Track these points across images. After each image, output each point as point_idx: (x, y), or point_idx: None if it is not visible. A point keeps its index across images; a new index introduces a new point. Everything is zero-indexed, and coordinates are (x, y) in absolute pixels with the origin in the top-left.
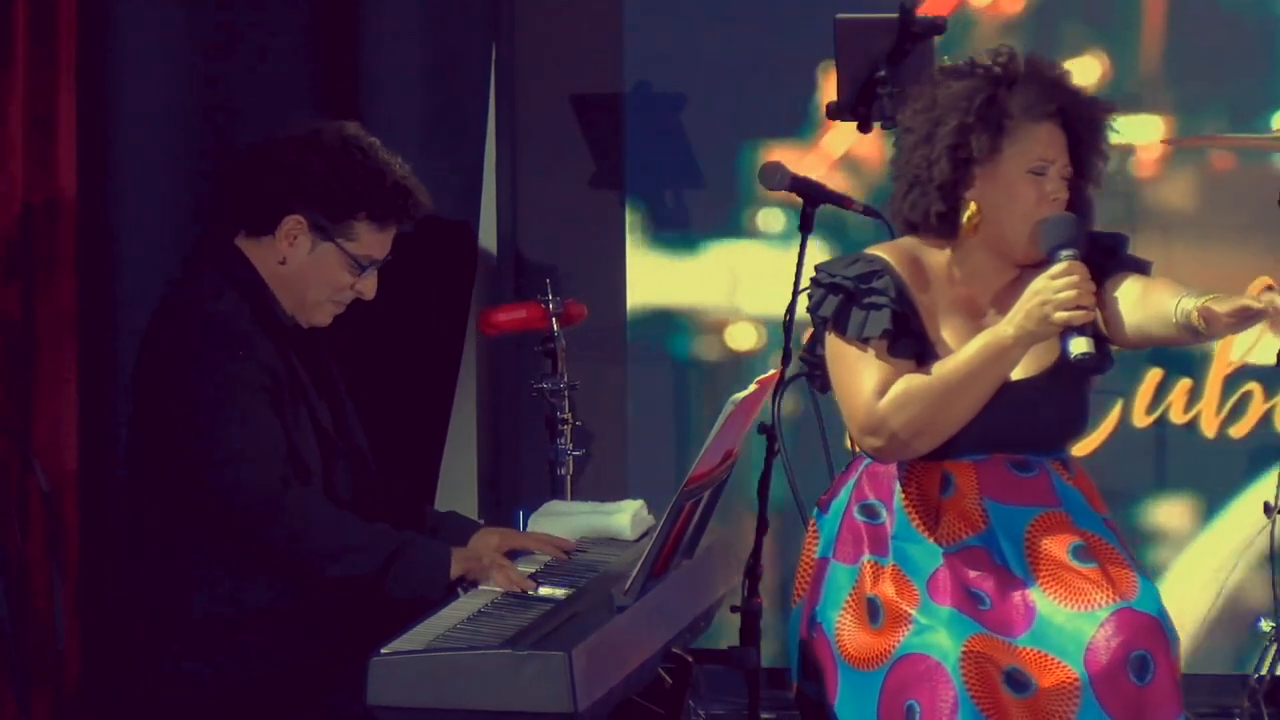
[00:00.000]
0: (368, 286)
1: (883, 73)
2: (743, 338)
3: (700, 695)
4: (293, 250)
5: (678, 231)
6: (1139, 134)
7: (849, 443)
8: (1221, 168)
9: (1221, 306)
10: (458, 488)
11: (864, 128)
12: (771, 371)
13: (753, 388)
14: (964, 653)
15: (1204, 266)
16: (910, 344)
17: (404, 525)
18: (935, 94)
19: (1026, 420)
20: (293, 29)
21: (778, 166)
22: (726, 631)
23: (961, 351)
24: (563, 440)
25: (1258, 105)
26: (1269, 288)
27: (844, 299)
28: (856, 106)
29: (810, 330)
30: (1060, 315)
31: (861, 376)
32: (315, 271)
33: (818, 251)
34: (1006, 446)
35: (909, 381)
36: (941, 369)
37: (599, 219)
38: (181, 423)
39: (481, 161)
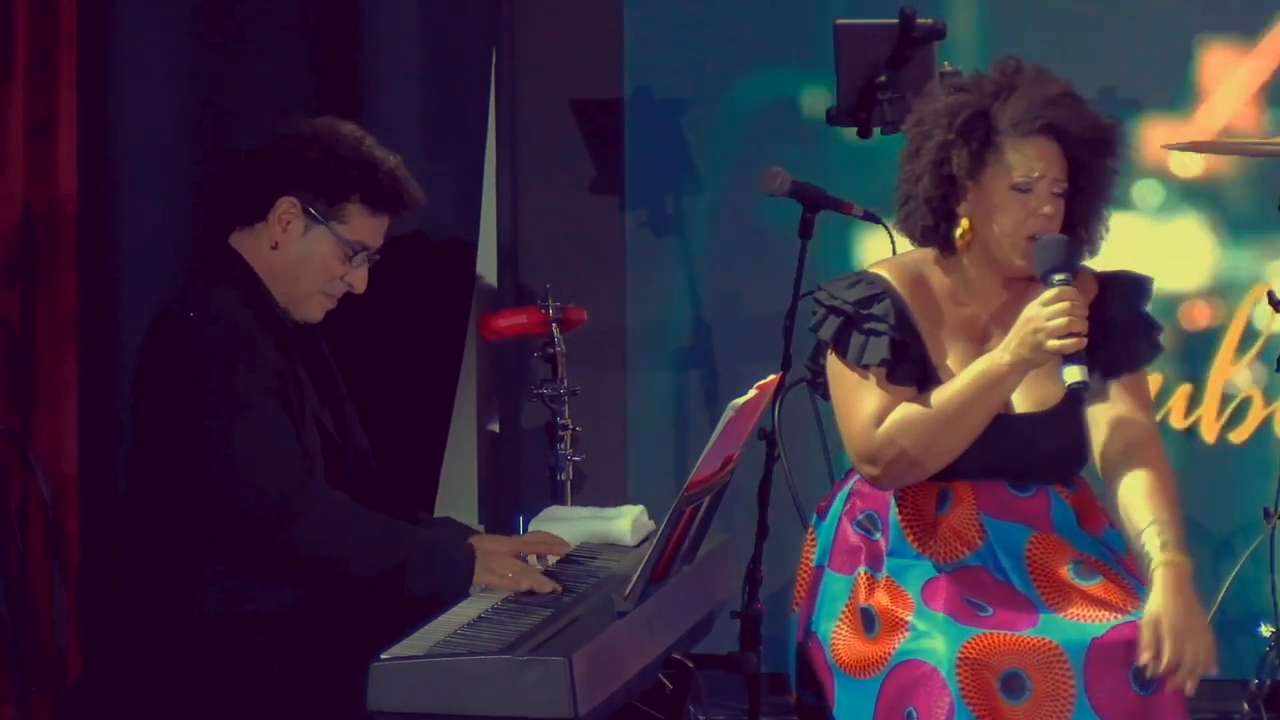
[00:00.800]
0: (358, 278)
1: (883, 78)
2: None
3: (700, 700)
4: (285, 234)
5: (678, 236)
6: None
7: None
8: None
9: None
10: (458, 493)
11: (864, 133)
12: (771, 377)
13: (753, 393)
14: (960, 659)
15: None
16: (910, 370)
17: None
18: (926, 108)
19: (1028, 452)
20: (293, 33)
21: (777, 172)
22: (727, 637)
23: (957, 380)
24: (563, 445)
25: None
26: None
27: (844, 322)
28: (857, 112)
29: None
30: (1053, 344)
31: (860, 403)
32: (307, 256)
33: None
34: (1005, 475)
35: (905, 410)
36: (938, 398)
37: (599, 223)
38: (191, 428)
39: (481, 166)
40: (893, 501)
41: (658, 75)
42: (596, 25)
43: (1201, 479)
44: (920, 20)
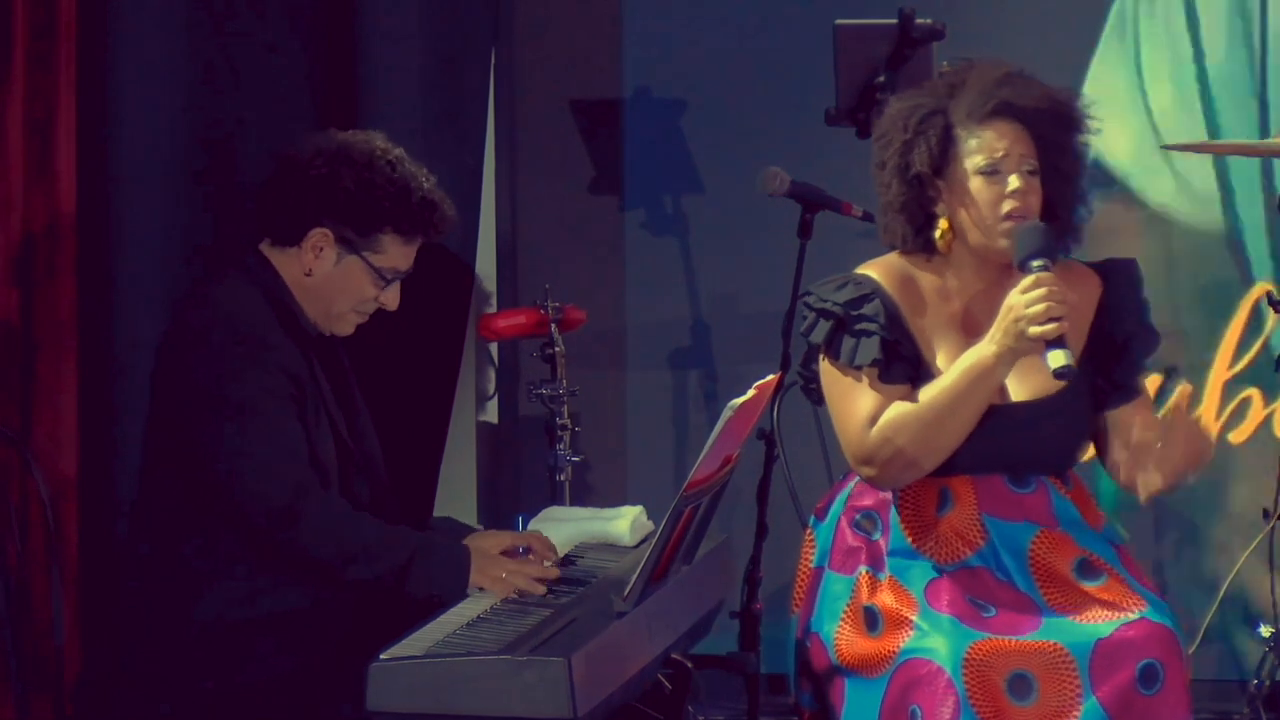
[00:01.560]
0: (391, 298)
1: (882, 78)
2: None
3: (699, 701)
4: (318, 262)
5: (677, 236)
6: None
7: None
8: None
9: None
10: (457, 493)
11: (863, 133)
12: (770, 377)
13: (751, 393)
14: (966, 659)
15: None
16: (903, 369)
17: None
18: (884, 120)
19: (1026, 443)
20: (293, 36)
21: (776, 172)
22: (726, 637)
23: (946, 375)
24: (562, 446)
25: None
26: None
27: (834, 325)
28: (856, 112)
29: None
30: (1034, 330)
31: (854, 405)
32: (340, 284)
33: None
34: (1005, 467)
35: (898, 409)
36: (929, 394)
37: (598, 224)
38: (204, 427)
39: (481, 166)
40: (893, 502)
41: (658, 75)
42: (596, 25)
43: (1201, 479)
44: (919, 20)
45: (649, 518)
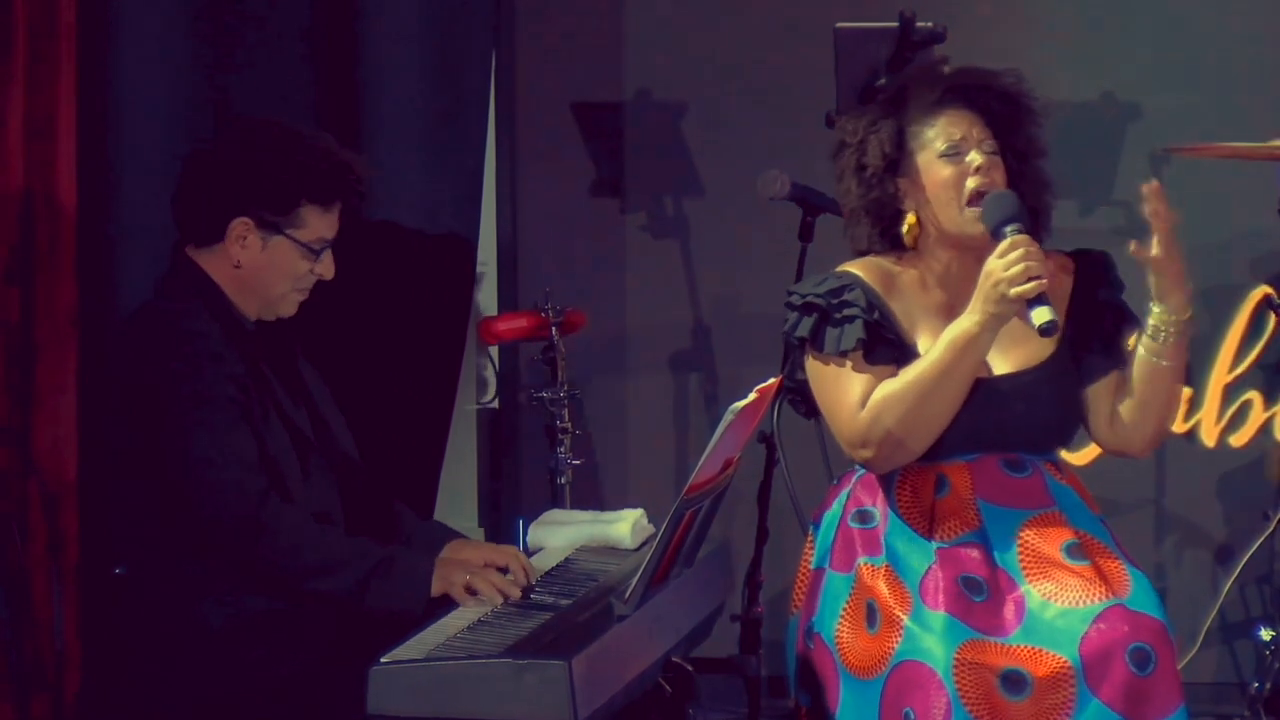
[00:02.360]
0: (326, 268)
1: (883, 81)
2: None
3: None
4: (245, 252)
5: (678, 239)
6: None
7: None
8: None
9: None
10: (458, 496)
11: None
12: (771, 380)
13: (752, 396)
14: (956, 660)
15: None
16: (887, 351)
17: (384, 526)
18: (836, 135)
19: (1013, 416)
20: (293, 36)
21: (777, 175)
22: (727, 640)
23: (932, 350)
24: (563, 449)
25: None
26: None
27: (818, 318)
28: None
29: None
30: (1015, 291)
31: (844, 391)
32: (273, 267)
33: None
34: (996, 445)
35: (886, 388)
36: (915, 370)
37: (599, 227)
38: (159, 445)
39: (481, 169)
40: (892, 490)
41: (658, 77)
42: (596, 26)
43: (1201, 482)
44: (920, 23)
45: (650, 521)
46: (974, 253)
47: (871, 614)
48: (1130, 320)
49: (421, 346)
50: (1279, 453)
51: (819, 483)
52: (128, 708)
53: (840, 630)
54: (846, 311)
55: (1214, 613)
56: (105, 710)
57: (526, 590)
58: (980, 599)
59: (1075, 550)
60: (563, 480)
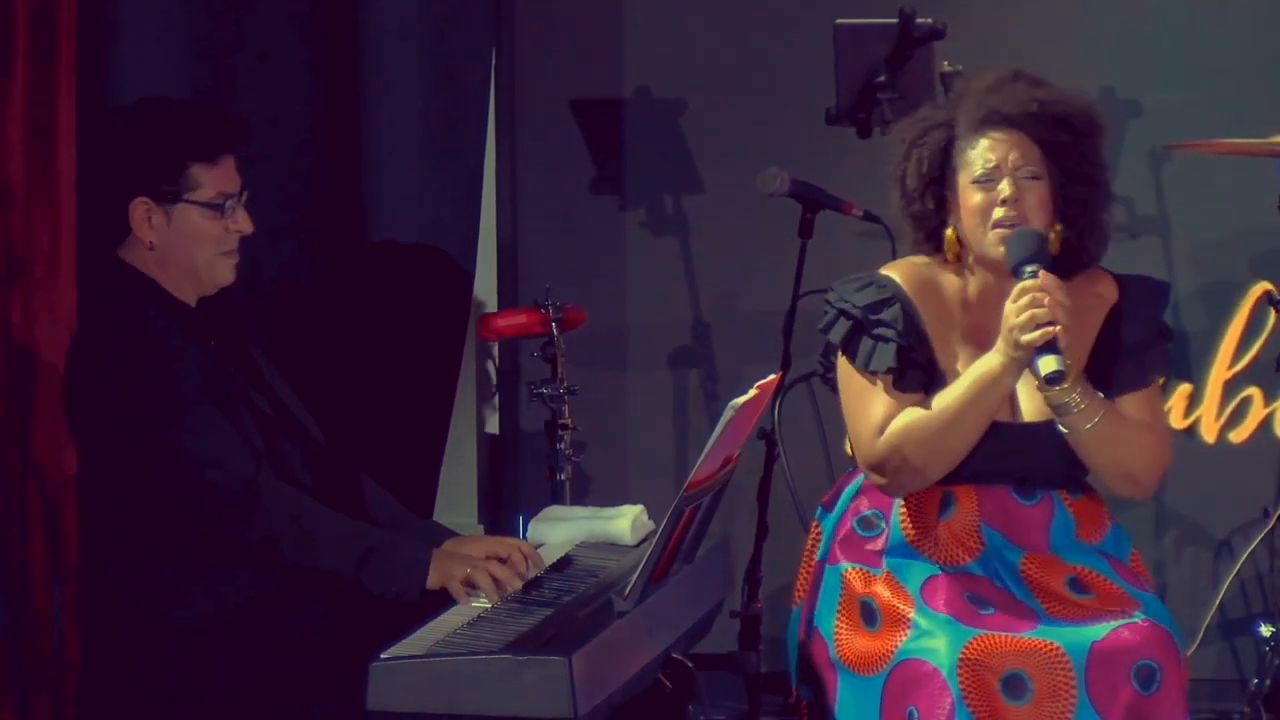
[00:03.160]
0: (241, 221)
1: (883, 78)
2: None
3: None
4: (154, 230)
5: (678, 236)
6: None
7: (848, 448)
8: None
9: None
10: (458, 493)
11: (864, 133)
12: (771, 377)
13: (753, 393)
14: (961, 659)
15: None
16: (917, 376)
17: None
18: (891, 133)
19: (1032, 460)
20: (293, 34)
21: (777, 172)
22: (726, 636)
23: (956, 384)
24: (562, 445)
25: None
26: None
27: (853, 326)
28: (856, 112)
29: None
30: (1027, 338)
31: (868, 409)
32: (186, 236)
33: None
34: (1012, 480)
35: (907, 417)
36: (939, 403)
37: (599, 223)
38: (137, 439)
39: (481, 166)
40: (897, 503)
41: (658, 75)
42: (596, 25)
43: (1201, 479)
44: (920, 20)
45: (649, 517)
46: (1005, 277)
47: (870, 613)
48: (1162, 365)
49: (421, 343)
50: None
51: (819, 479)
52: (128, 708)
53: (838, 627)
54: (882, 330)
55: (1214, 609)
56: (105, 710)
57: (531, 581)
58: (988, 612)
59: (1077, 584)
60: (562, 476)
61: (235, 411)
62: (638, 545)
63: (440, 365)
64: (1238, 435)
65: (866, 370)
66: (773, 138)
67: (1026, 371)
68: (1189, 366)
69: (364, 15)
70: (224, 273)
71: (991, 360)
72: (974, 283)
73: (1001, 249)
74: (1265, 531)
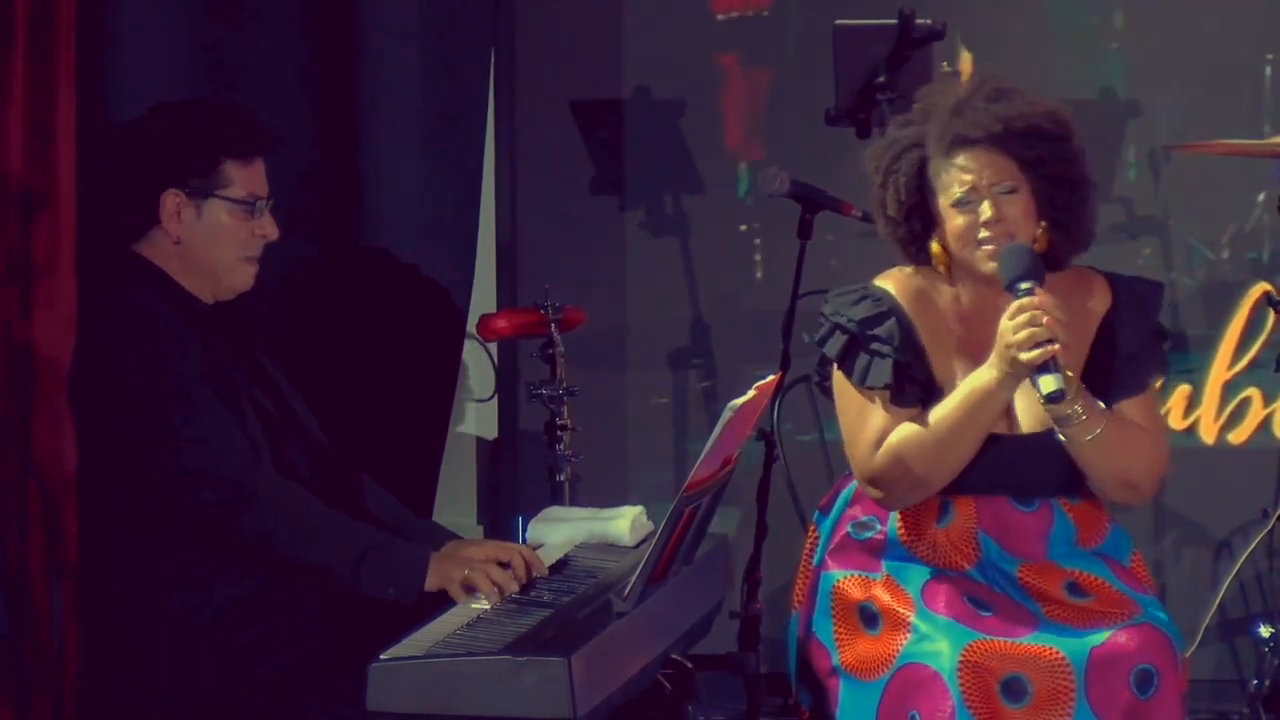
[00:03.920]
0: (268, 227)
1: (882, 79)
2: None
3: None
4: (182, 225)
5: (677, 236)
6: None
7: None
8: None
9: None
10: (457, 493)
11: (863, 133)
12: (770, 378)
13: (752, 394)
14: (961, 662)
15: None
16: (914, 392)
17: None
18: (867, 155)
19: (1031, 472)
20: (292, 34)
21: (777, 172)
22: (726, 637)
23: (952, 398)
24: (562, 446)
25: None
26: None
27: (849, 341)
28: (856, 112)
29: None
30: (1026, 357)
31: (864, 424)
32: (213, 233)
33: None
34: (1011, 490)
35: (903, 432)
36: (934, 417)
37: (598, 224)
38: (137, 428)
39: (481, 167)
40: (893, 513)
41: (658, 75)
42: (596, 25)
43: (1200, 480)
44: (919, 21)
45: (649, 518)
46: (997, 288)
47: (870, 617)
48: (1158, 368)
49: (421, 344)
50: None
51: (818, 479)
52: (128, 708)
53: (838, 631)
54: (878, 346)
55: (1213, 610)
56: (105, 710)
57: (531, 584)
58: (987, 614)
59: (1075, 589)
60: (562, 477)
61: (239, 409)
62: (637, 546)
63: (439, 365)
64: (1237, 436)
65: (863, 386)
66: (773, 139)
67: (1025, 383)
68: (1188, 367)
69: (364, 15)
70: (243, 278)
71: (987, 375)
72: (966, 293)
73: (992, 265)
74: (1264, 532)
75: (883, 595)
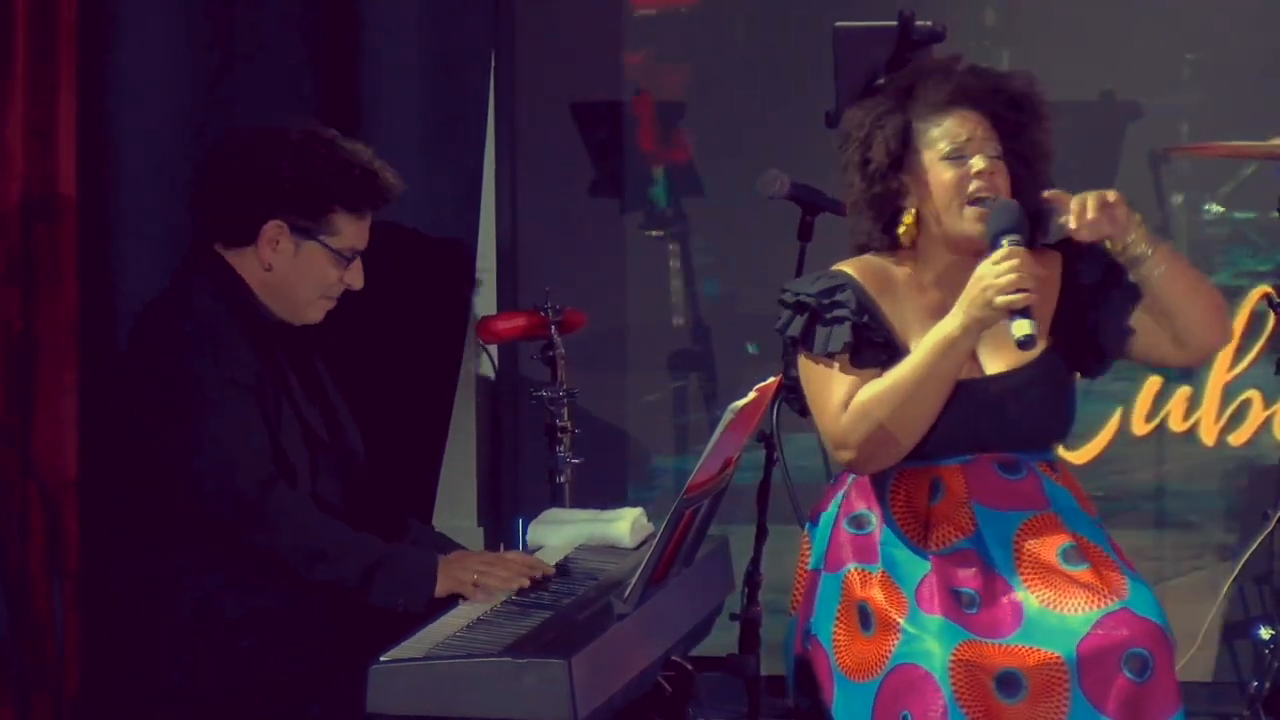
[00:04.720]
0: (355, 277)
1: (882, 81)
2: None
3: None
4: (277, 255)
5: (677, 238)
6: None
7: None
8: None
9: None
10: (457, 495)
11: None
12: (770, 380)
13: (752, 396)
14: (952, 661)
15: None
16: (875, 354)
17: (387, 531)
18: (842, 124)
19: (1004, 416)
20: (293, 36)
21: (777, 175)
22: (726, 639)
23: (915, 352)
24: (562, 448)
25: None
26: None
27: (809, 317)
28: None
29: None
30: (1001, 299)
31: (829, 392)
32: (303, 272)
33: None
34: (990, 446)
35: (868, 389)
36: (897, 372)
37: (599, 226)
38: (165, 427)
39: (481, 168)
40: (886, 494)
41: (658, 76)
42: (596, 26)
43: (1201, 481)
44: (919, 23)
45: (649, 520)
46: (972, 255)
47: (865, 616)
48: (1118, 265)
49: (421, 346)
50: None
51: (818, 481)
52: (128, 708)
53: (836, 633)
54: (836, 313)
55: (1213, 612)
56: (105, 710)
57: (544, 584)
58: (973, 611)
59: (1072, 554)
60: (562, 479)
61: (280, 421)
62: (637, 548)
63: (439, 367)
64: (1237, 438)
65: (825, 354)
66: (773, 141)
67: (989, 331)
68: (1188, 369)
69: (364, 15)
70: (316, 314)
71: (949, 325)
72: (930, 267)
73: (979, 225)
74: (1265, 534)
75: (877, 595)
